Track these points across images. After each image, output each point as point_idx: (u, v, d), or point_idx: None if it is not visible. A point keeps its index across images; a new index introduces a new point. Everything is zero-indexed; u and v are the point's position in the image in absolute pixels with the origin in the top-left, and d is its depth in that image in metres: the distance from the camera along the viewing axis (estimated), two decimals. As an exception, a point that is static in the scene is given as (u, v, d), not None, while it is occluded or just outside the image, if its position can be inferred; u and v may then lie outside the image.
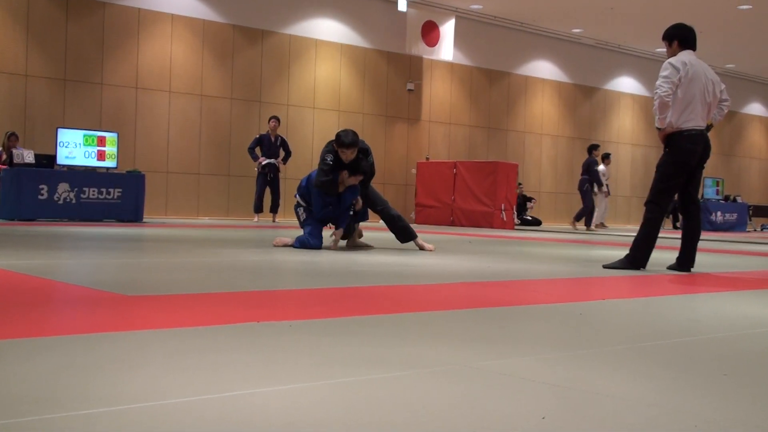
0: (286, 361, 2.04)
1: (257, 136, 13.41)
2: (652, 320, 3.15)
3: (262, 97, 15.26)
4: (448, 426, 1.50)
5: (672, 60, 5.38)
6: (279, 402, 1.63)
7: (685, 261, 5.53)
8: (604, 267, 5.47)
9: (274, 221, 13.28)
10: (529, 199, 17.49)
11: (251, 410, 1.55)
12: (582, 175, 15.40)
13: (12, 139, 11.40)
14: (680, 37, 5.51)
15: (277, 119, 13.42)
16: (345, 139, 6.30)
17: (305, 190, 6.55)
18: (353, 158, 6.35)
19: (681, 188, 5.55)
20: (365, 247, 6.72)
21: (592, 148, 15.53)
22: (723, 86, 5.59)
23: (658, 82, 5.34)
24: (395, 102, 17.22)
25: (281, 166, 13.36)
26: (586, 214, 15.35)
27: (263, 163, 13.07)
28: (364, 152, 6.49)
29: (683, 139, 5.36)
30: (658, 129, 5.44)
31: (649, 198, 5.52)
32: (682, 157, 5.40)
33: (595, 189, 16.23)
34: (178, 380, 1.78)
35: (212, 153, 14.71)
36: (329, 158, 6.31)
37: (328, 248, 6.32)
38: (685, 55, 5.42)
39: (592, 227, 16.62)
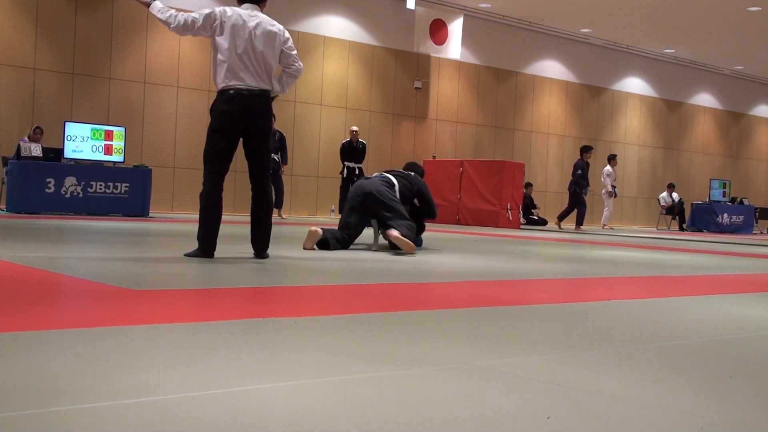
0: (291, 357, 2.04)
1: None
2: (658, 321, 3.14)
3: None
4: (452, 425, 1.50)
5: (216, 9, 4.82)
6: (284, 398, 1.63)
7: (256, 247, 5.03)
8: (185, 255, 4.84)
9: (280, 216, 13.25)
10: (534, 206, 17.43)
11: (256, 406, 1.55)
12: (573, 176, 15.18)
13: (37, 132, 11.44)
14: None
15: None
16: None
17: None
18: None
19: (250, 160, 4.99)
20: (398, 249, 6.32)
21: (584, 150, 15.07)
22: (289, 46, 4.99)
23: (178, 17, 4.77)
24: (402, 100, 17.21)
25: (282, 168, 13.30)
26: (568, 215, 15.19)
27: None
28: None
29: (220, 99, 4.83)
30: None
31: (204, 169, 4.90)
32: (219, 121, 4.82)
33: (605, 190, 16.26)
34: (182, 375, 1.78)
35: (219, 149, 14.70)
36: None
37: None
38: (234, 8, 4.86)
39: (606, 226, 16.64)
